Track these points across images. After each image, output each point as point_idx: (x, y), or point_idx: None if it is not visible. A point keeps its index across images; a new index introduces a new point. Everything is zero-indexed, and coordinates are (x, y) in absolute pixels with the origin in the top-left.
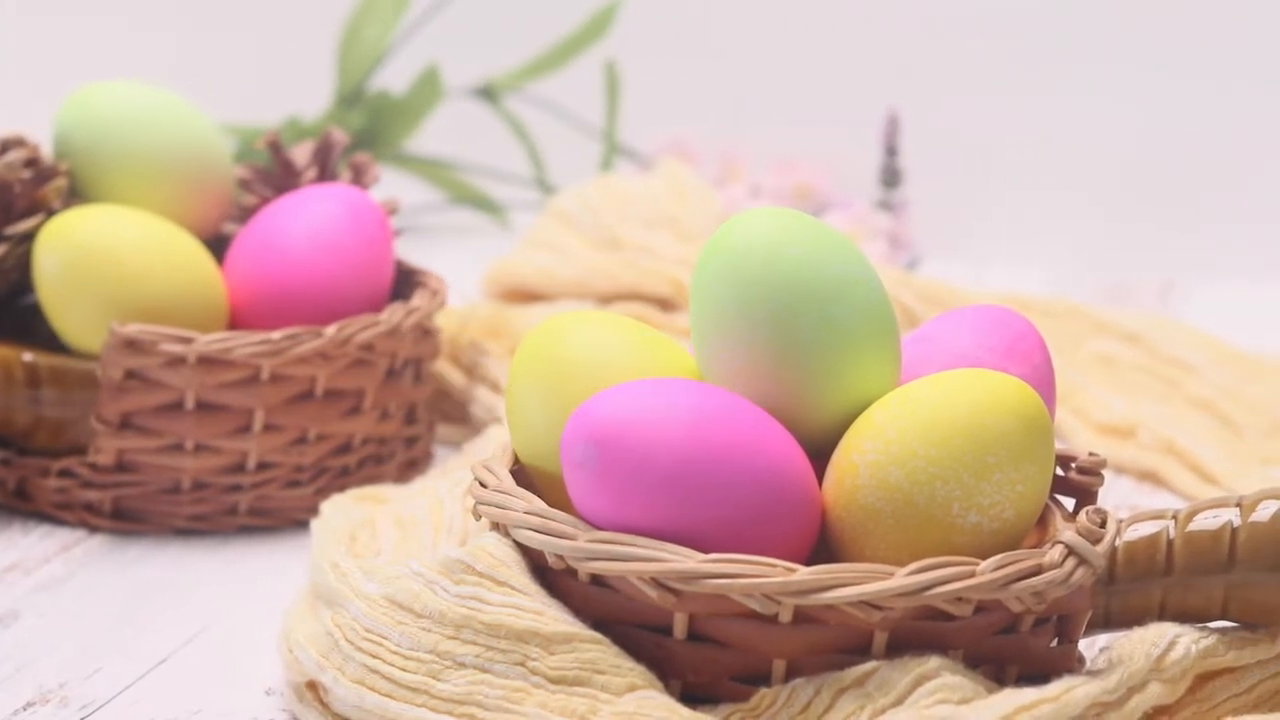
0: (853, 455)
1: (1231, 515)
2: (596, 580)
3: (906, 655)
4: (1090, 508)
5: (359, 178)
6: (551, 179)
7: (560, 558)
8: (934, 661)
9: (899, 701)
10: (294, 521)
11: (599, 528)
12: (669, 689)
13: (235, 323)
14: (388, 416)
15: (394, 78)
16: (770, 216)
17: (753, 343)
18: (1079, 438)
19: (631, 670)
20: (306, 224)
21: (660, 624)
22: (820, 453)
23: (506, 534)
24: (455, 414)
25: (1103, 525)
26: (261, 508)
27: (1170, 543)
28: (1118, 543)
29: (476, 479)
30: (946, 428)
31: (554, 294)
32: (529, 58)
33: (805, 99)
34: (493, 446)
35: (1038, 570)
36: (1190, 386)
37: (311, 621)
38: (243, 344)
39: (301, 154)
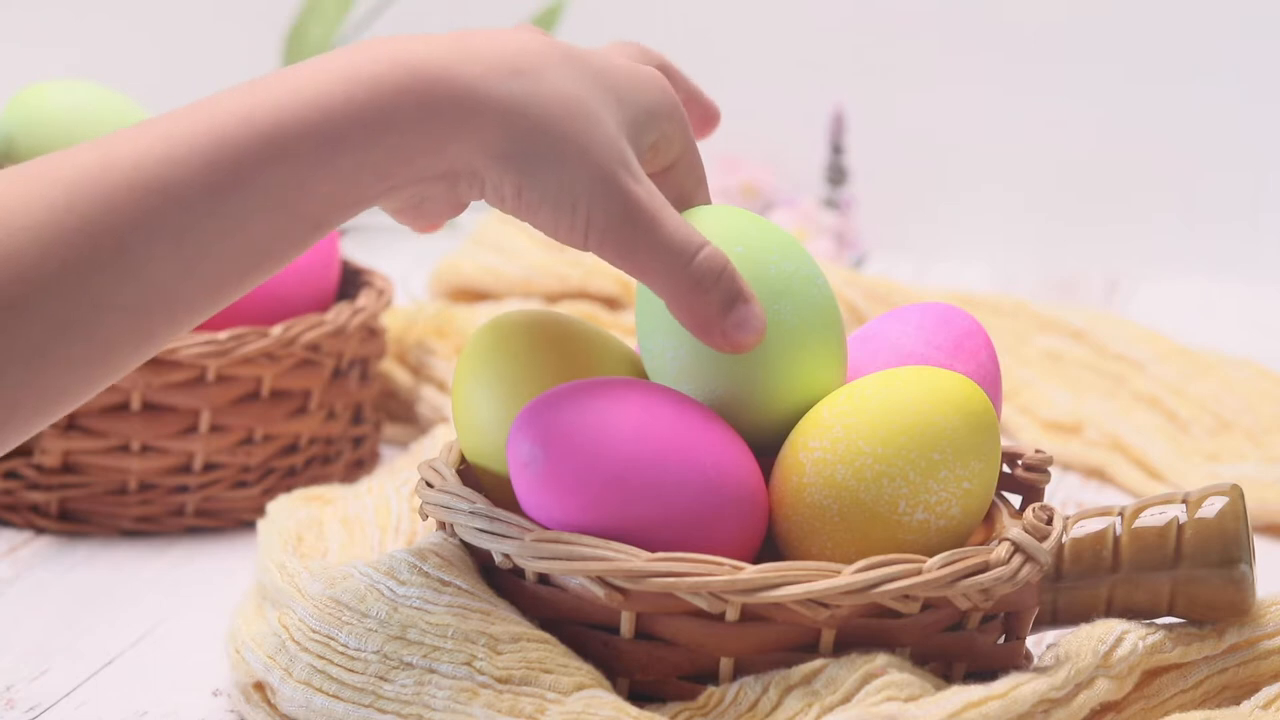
0: (799, 453)
1: (1178, 511)
2: (543, 579)
3: (854, 653)
4: (1037, 504)
5: None
6: None
7: (507, 557)
8: (881, 659)
9: (846, 699)
10: (241, 522)
11: (545, 527)
12: (617, 688)
13: None
14: (334, 416)
15: None
16: (715, 214)
17: (697, 341)
18: (1026, 434)
19: (579, 669)
20: None
21: (607, 623)
22: (767, 451)
23: (453, 534)
24: (402, 414)
25: (1049, 522)
26: (208, 509)
27: (1117, 539)
28: (1064, 539)
29: (423, 479)
30: (893, 425)
31: (500, 293)
32: None
33: (751, 97)
34: (439, 446)
35: (984, 567)
36: (1136, 383)
37: (258, 622)
38: (188, 344)
39: None
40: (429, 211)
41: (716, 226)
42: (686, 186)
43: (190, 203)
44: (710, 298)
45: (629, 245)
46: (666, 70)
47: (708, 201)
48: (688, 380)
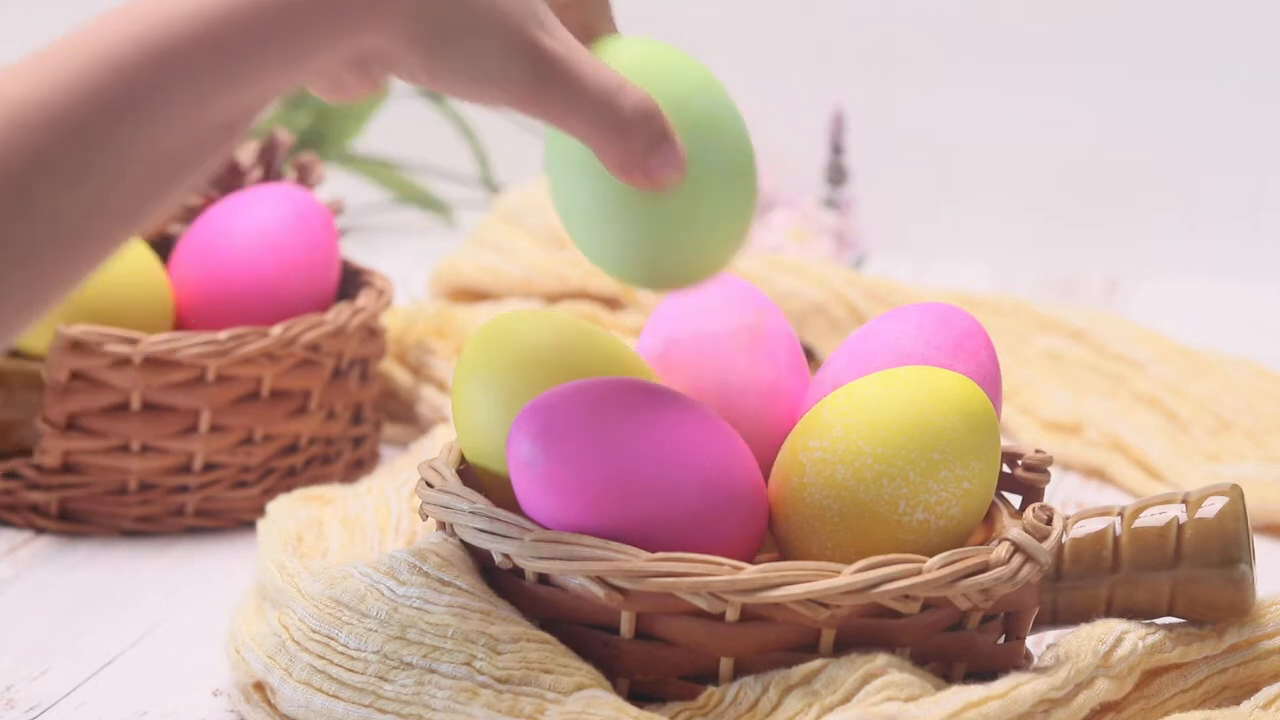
0: (799, 453)
1: (1178, 511)
2: (543, 579)
3: (854, 653)
4: (1037, 504)
5: (304, 178)
6: (497, 177)
7: (507, 557)
8: (881, 659)
9: (846, 699)
10: (241, 522)
11: (545, 527)
12: (617, 688)
13: (181, 323)
14: (334, 416)
15: None
16: (629, 47)
17: (613, 179)
18: (1026, 434)
19: (579, 669)
20: (252, 224)
21: (607, 623)
22: (684, 286)
23: (453, 534)
24: (402, 414)
25: (1049, 522)
26: (208, 509)
27: (1117, 539)
28: (1064, 539)
29: (423, 479)
30: (893, 425)
31: (500, 293)
32: None
33: (751, 96)
34: (439, 446)
35: (984, 567)
36: (1136, 383)
37: (258, 622)
38: (188, 345)
39: (247, 154)
40: (348, 90)
41: (631, 60)
42: (591, 18)
43: (87, 136)
44: (636, 143)
45: (549, 101)
46: None
47: (614, 30)
48: (601, 218)
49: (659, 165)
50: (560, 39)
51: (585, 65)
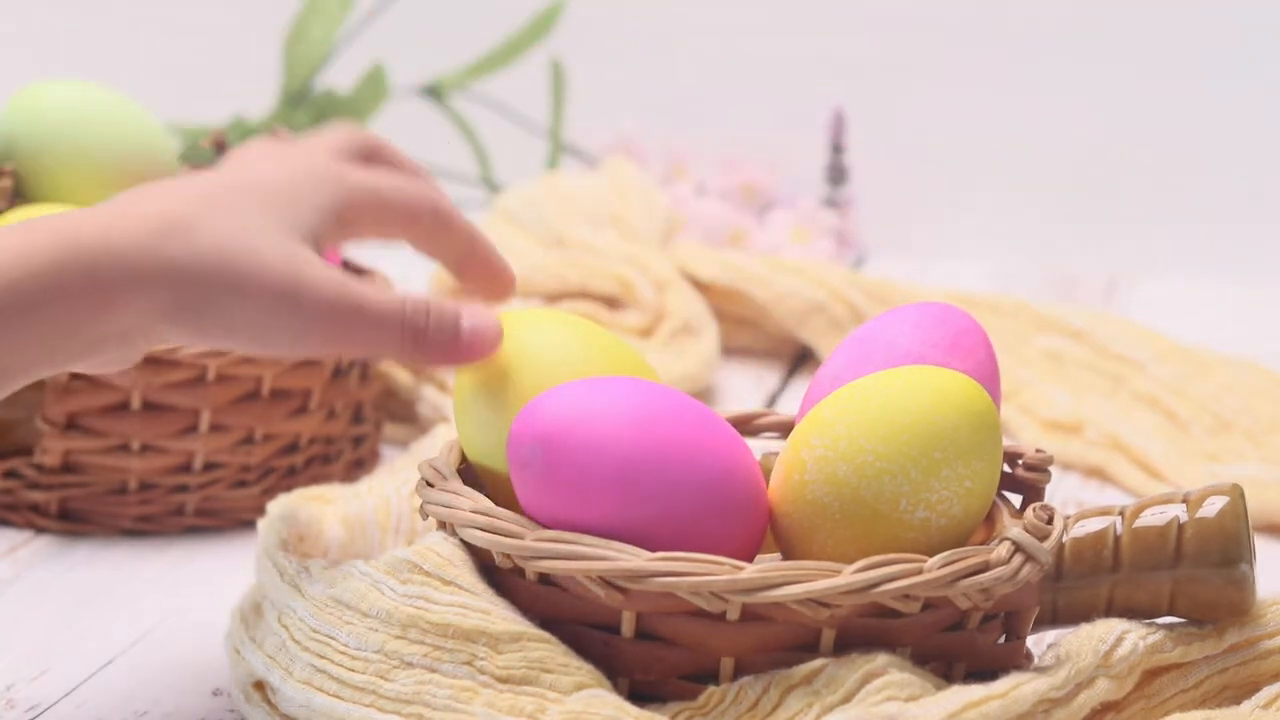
0: (801, 451)
1: (1178, 511)
2: (544, 579)
3: (854, 652)
4: (1037, 504)
5: None
6: (497, 177)
7: (507, 556)
8: (882, 659)
9: (847, 699)
10: (241, 522)
11: (546, 526)
12: (617, 687)
13: None
14: (334, 416)
15: (340, 77)
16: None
17: None
18: (1026, 434)
19: (579, 669)
20: None
21: (608, 623)
22: None
23: (453, 533)
24: (402, 413)
25: (1050, 521)
26: (208, 508)
27: (1117, 539)
28: (1065, 539)
29: (423, 478)
30: (894, 424)
31: None
32: (474, 56)
33: (751, 97)
34: (440, 445)
35: (985, 567)
36: (1136, 382)
37: (258, 622)
38: None
39: None
40: (113, 360)
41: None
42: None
43: None
44: (438, 333)
45: (343, 335)
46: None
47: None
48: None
49: (470, 340)
50: (334, 277)
51: (360, 292)
